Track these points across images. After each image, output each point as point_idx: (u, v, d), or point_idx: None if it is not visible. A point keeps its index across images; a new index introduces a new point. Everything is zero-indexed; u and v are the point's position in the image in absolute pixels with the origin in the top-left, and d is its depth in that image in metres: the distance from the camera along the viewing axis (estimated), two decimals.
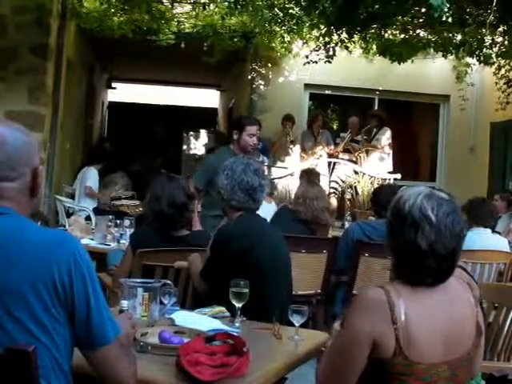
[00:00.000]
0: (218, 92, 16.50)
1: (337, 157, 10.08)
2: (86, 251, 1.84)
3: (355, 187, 9.31)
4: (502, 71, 9.49)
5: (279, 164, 9.91)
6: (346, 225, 9.64)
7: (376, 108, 11.11)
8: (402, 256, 2.07)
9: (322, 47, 8.77)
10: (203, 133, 18.15)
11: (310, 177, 7.52)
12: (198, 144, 18.38)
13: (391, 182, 9.00)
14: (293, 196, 6.10)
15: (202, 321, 2.83)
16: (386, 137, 9.91)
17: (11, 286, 1.69)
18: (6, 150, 1.78)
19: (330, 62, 8.74)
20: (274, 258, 3.44)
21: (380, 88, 10.88)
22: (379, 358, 2.00)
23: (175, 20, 9.74)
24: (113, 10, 9.22)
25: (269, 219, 4.76)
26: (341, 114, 13.15)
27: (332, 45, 8.56)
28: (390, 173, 9.65)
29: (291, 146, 10.03)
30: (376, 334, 1.98)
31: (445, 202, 2.05)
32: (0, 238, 1.74)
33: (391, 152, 9.97)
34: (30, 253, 1.72)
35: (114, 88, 17.24)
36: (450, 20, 6.09)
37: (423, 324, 2.01)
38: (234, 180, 3.44)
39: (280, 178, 9.52)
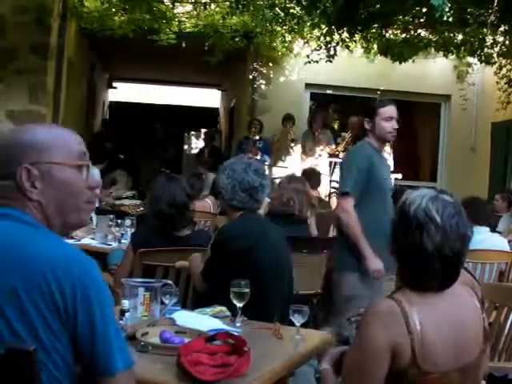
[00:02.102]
0: (219, 92, 16.51)
1: (338, 156, 10.07)
2: (100, 273, 1.75)
3: None
4: (503, 71, 9.48)
5: (280, 164, 9.92)
6: None
7: None
8: (408, 259, 2.05)
9: (323, 47, 8.78)
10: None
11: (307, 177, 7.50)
12: (199, 144, 18.40)
13: (392, 181, 8.98)
14: None
15: (202, 321, 2.83)
16: None
17: (13, 296, 1.64)
18: None
19: (330, 61, 8.74)
20: (275, 257, 3.44)
21: (381, 88, 10.86)
22: (393, 370, 1.96)
23: (176, 20, 9.75)
24: (114, 10, 9.22)
25: None
26: (342, 114, 13.14)
27: (333, 44, 8.57)
28: (391, 172, 9.63)
29: (292, 145, 10.03)
30: (393, 345, 1.94)
31: (450, 204, 2.04)
32: (6, 241, 1.70)
33: (392, 152, 9.96)
34: (34, 265, 1.65)
35: (115, 88, 17.25)
36: (450, 20, 6.11)
37: (436, 332, 1.99)
38: (235, 180, 3.43)
39: (281, 177, 9.52)
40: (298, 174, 8.34)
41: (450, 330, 2.02)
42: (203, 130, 17.96)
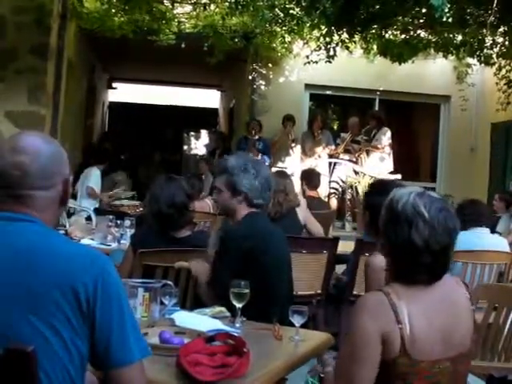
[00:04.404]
0: (219, 92, 16.50)
1: (337, 157, 10.08)
2: (116, 270, 1.84)
3: (356, 187, 9.33)
4: (503, 72, 9.49)
5: (279, 164, 9.92)
6: (347, 225, 9.69)
7: (377, 108, 11.11)
8: (398, 254, 2.10)
9: (323, 47, 8.78)
10: (204, 133, 18.16)
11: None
12: (198, 144, 18.40)
13: None
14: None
15: (202, 321, 2.83)
16: (386, 137, 9.92)
17: (34, 291, 1.69)
18: (41, 159, 1.83)
19: (330, 62, 8.74)
20: (279, 257, 3.44)
21: (381, 88, 10.88)
22: (384, 359, 2.01)
23: (176, 20, 9.75)
24: (113, 11, 9.23)
25: None
26: (341, 115, 13.15)
27: (332, 45, 8.57)
28: (390, 173, 9.66)
29: (293, 145, 10.04)
30: (384, 333, 1.99)
31: (436, 200, 2.11)
32: (29, 243, 1.76)
33: (391, 152, 9.97)
34: (57, 263, 1.73)
35: (115, 88, 17.25)
36: (450, 20, 6.12)
37: (425, 322, 2.03)
38: (264, 179, 3.42)
39: None
40: (298, 174, 8.34)
41: (440, 320, 2.07)
42: (203, 131, 17.96)
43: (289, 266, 3.57)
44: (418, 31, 8.64)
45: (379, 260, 2.62)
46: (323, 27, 8.46)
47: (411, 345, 1.99)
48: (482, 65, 9.45)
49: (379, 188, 3.36)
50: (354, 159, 10.00)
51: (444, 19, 5.75)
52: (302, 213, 5.66)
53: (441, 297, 2.10)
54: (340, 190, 10.05)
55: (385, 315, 2.00)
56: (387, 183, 3.75)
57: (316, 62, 9.10)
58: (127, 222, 5.57)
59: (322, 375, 2.36)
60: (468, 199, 5.42)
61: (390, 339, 1.99)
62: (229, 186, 3.38)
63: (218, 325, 2.81)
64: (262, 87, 10.68)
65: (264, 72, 10.59)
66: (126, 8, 8.94)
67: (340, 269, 5.67)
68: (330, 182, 9.95)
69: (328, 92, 11.28)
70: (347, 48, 9.02)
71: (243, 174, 3.37)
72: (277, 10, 8.62)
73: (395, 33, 8.86)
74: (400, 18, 8.06)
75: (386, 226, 2.13)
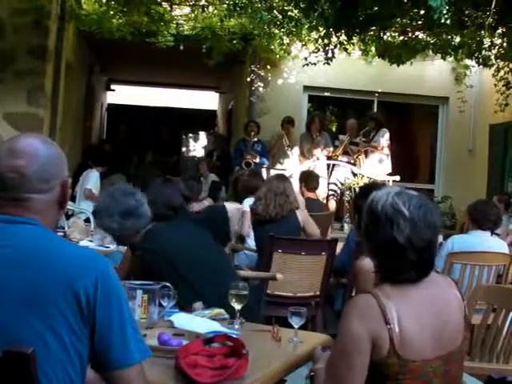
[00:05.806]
0: (217, 94, 16.51)
1: (336, 159, 10.08)
2: (115, 271, 1.84)
3: (354, 189, 9.32)
4: (501, 73, 9.50)
5: (278, 166, 9.92)
6: (345, 226, 9.68)
7: (375, 110, 11.12)
8: (383, 254, 2.12)
9: (321, 49, 8.78)
10: (202, 135, 18.15)
11: (306, 179, 7.54)
12: (197, 146, 18.39)
13: (390, 183, 9.00)
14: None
15: (200, 323, 2.83)
16: (384, 138, 9.92)
17: (34, 293, 1.69)
18: (39, 162, 1.81)
19: (328, 64, 8.74)
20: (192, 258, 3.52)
21: (379, 90, 10.89)
22: (374, 360, 2.02)
23: (174, 22, 9.76)
24: (112, 12, 9.23)
25: None
26: (340, 116, 13.15)
27: (331, 47, 8.57)
28: (389, 174, 9.66)
29: (288, 145, 10.02)
30: (373, 335, 2.01)
31: (415, 197, 2.13)
32: (29, 245, 1.76)
33: (390, 154, 9.97)
34: (57, 265, 1.73)
35: (113, 90, 17.25)
36: (448, 22, 6.11)
37: (414, 322, 2.05)
38: (157, 195, 3.53)
39: None
40: (297, 176, 8.34)
41: (430, 319, 2.08)
42: (202, 133, 17.96)
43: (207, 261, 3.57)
44: (417, 33, 8.65)
45: (367, 263, 2.66)
46: (321, 29, 8.46)
47: (401, 345, 2.01)
48: (481, 66, 9.45)
49: (365, 191, 3.38)
50: (353, 161, 10.00)
51: (442, 21, 5.75)
52: (301, 214, 5.69)
53: (430, 295, 2.12)
54: (338, 191, 10.04)
55: (373, 317, 2.02)
56: (372, 186, 3.79)
57: (314, 64, 9.09)
58: None
59: (312, 374, 2.37)
60: (482, 200, 5.42)
61: (379, 341, 2.00)
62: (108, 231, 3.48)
63: (217, 326, 2.81)
64: (261, 89, 10.69)
65: (262, 74, 10.60)
66: (124, 10, 8.94)
67: None
68: (328, 183, 9.95)
69: (326, 94, 11.29)
70: (345, 50, 9.02)
71: (140, 206, 3.45)
72: (275, 11, 8.63)
73: (393, 34, 8.87)
74: (398, 19, 8.06)
75: (367, 227, 2.16)
